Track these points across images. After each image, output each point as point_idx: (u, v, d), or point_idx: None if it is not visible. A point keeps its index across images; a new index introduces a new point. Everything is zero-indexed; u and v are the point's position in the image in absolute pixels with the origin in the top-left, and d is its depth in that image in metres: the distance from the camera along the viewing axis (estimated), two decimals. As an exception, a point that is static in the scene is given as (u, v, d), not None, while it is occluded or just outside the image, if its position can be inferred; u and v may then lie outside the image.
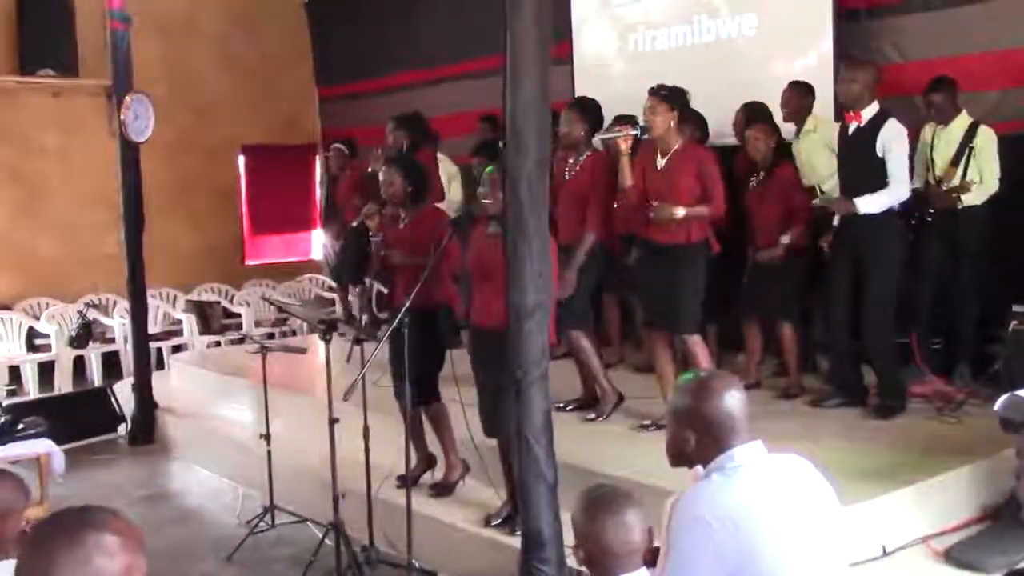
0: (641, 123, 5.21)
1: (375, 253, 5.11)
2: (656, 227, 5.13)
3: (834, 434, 5.07)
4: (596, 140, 5.48)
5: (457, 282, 5.05)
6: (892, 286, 5.24)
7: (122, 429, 7.49)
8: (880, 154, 5.17)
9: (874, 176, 5.18)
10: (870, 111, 5.22)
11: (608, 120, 5.84)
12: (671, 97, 5.10)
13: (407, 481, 4.52)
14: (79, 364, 9.27)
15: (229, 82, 10.95)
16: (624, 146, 5.19)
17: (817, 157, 6.04)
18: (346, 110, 11.10)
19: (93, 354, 9.08)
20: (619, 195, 5.46)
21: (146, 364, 7.44)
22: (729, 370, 6.31)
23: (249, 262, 11.24)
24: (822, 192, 5.91)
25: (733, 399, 2.41)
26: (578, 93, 8.18)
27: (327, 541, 4.67)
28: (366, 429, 4.59)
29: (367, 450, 4.62)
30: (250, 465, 5.98)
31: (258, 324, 10.04)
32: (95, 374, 9.04)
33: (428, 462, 5.24)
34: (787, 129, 6.26)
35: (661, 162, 5.19)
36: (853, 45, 6.66)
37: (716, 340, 6.45)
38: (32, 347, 8.99)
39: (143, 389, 7.32)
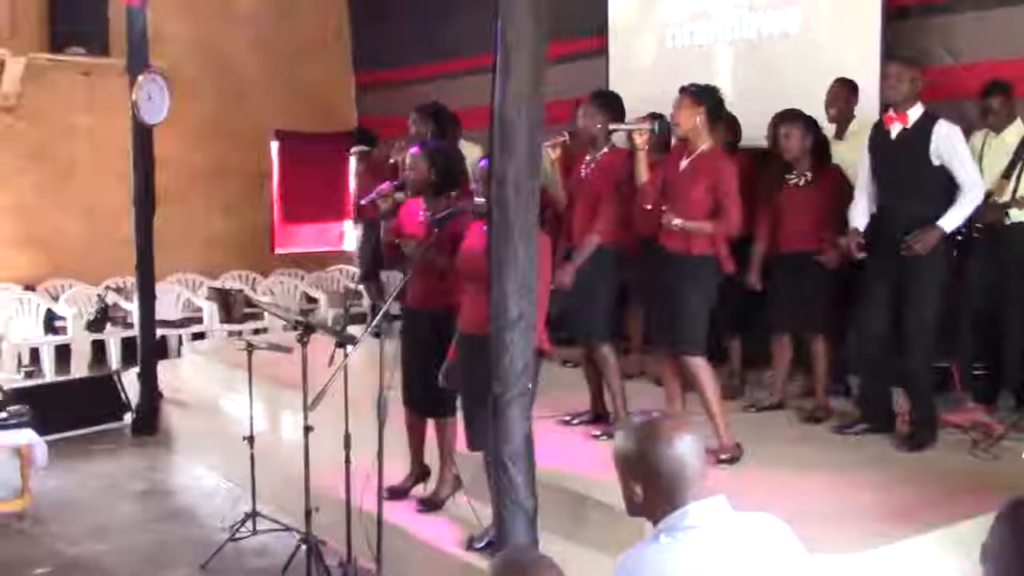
0: (662, 116, 4.85)
1: (384, 240, 4.77)
2: (664, 232, 4.75)
3: (858, 464, 4.66)
4: (610, 128, 5.11)
5: None
6: (935, 308, 4.79)
7: (128, 418, 7.30)
8: (935, 160, 4.74)
9: (928, 184, 4.76)
10: (915, 112, 4.80)
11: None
12: (700, 94, 4.72)
13: (380, 494, 4.20)
14: (99, 348, 9.15)
15: (263, 66, 10.75)
16: (639, 140, 4.80)
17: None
18: (383, 98, 10.83)
19: (111, 339, 8.93)
20: (640, 194, 5.07)
21: (152, 352, 7.23)
22: (753, 387, 6.05)
23: (279, 250, 11.04)
24: None
25: (685, 445, 2.05)
26: (612, 87, 7.86)
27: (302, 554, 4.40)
28: (347, 437, 4.31)
29: (347, 460, 4.33)
30: (246, 465, 5.74)
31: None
32: (113, 359, 8.90)
33: (421, 474, 4.94)
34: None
35: (684, 163, 4.81)
36: (901, 45, 6.22)
37: (740, 354, 6.07)
38: (51, 329, 8.87)
39: (148, 378, 7.12)
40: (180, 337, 9.29)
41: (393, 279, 6.98)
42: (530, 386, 3.77)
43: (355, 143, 8.82)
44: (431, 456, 4.91)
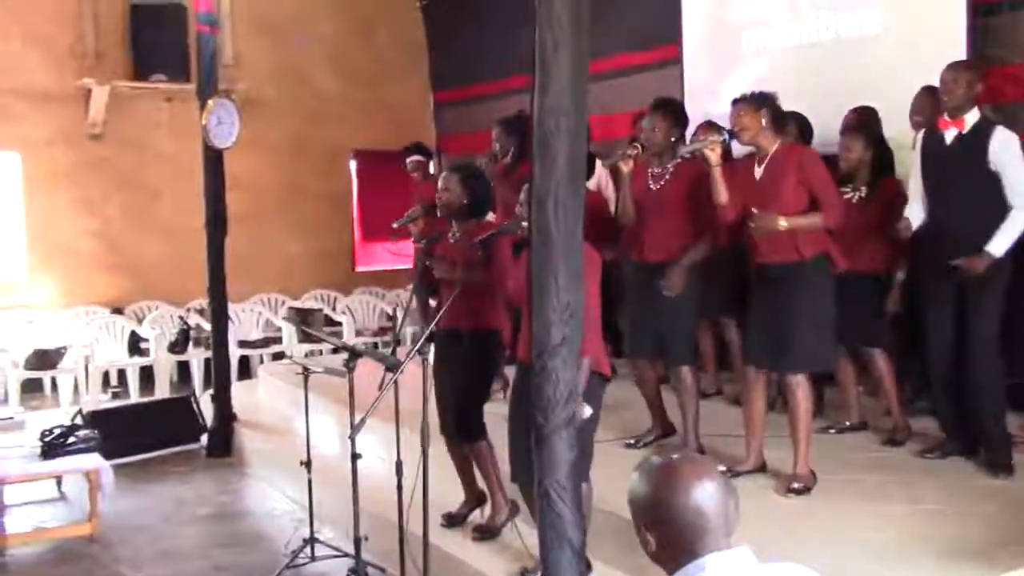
0: (729, 129, 4.60)
1: (417, 263, 4.71)
2: (763, 248, 4.47)
3: (937, 493, 4.35)
4: (681, 152, 4.86)
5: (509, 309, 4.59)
6: (997, 321, 4.47)
7: (205, 439, 7.35)
8: (993, 168, 4.43)
9: (986, 193, 4.45)
10: (972, 117, 4.50)
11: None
12: (755, 98, 4.49)
13: (425, 521, 4.06)
14: (184, 370, 9.30)
15: (342, 85, 10.85)
16: (714, 156, 4.48)
17: None
18: (462, 115, 10.78)
19: (195, 360, 9.04)
20: (720, 213, 4.77)
21: (225, 373, 7.26)
22: (834, 408, 5.74)
23: (360, 269, 11.08)
24: None
25: (706, 495, 1.86)
26: (687, 96, 7.65)
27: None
28: (398, 464, 4.20)
29: (399, 487, 4.22)
30: (317, 489, 5.69)
31: (359, 333, 9.84)
32: (196, 380, 9.02)
33: (478, 500, 4.80)
34: (898, 141, 5.52)
35: (759, 171, 4.56)
36: (990, 43, 5.87)
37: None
38: (137, 351, 9.04)
39: (221, 399, 7.15)
40: (261, 357, 9.37)
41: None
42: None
43: (411, 153, 8.70)
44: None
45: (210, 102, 6.86)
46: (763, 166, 4.50)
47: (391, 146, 11.07)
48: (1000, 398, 4.59)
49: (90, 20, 9.49)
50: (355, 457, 4.15)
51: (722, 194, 4.54)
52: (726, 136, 4.55)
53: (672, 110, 5.04)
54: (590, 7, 3.43)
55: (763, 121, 4.44)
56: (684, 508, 1.85)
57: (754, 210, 4.43)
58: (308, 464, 5.05)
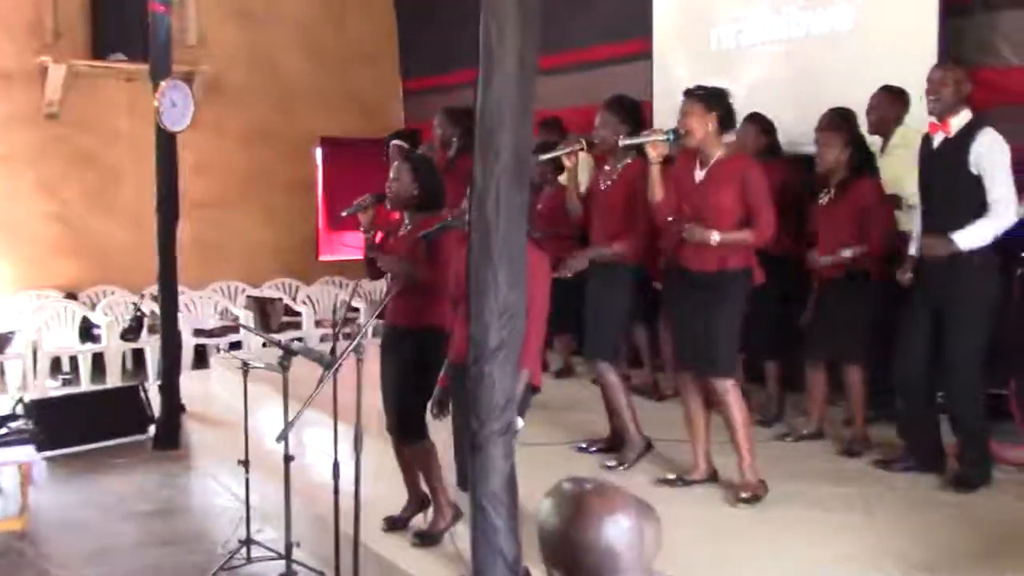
0: (675, 128, 4.45)
1: (364, 255, 4.56)
2: (689, 252, 4.38)
3: (897, 508, 4.24)
4: (621, 143, 4.72)
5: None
6: (982, 337, 4.33)
7: (152, 431, 7.14)
8: (974, 171, 4.27)
9: (966, 197, 4.29)
10: (960, 120, 4.34)
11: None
12: (709, 97, 4.34)
13: (356, 526, 3.90)
14: (140, 358, 9.07)
15: (311, 72, 10.61)
16: (654, 153, 4.40)
17: (909, 176, 5.13)
18: (430, 103, 10.54)
19: (149, 348, 8.81)
20: (654, 212, 4.66)
21: (174, 363, 7.03)
22: (792, 414, 5.61)
23: (323, 258, 10.87)
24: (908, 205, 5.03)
25: (618, 529, 1.70)
26: (656, 91, 7.53)
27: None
28: (335, 466, 4.04)
29: (336, 491, 4.06)
30: (259, 487, 5.51)
31: (319, 323, 9.64)
32: (151, 369, 8.79)
33: (421, 504, 4.64)
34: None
35: (700, 174, 4.42)
36: (962, 44, 5.74)
37: (778, 378, 5.65)
38: (90, 337, 8.80)
39: (169, 390, 6.93)
40: (218, 347, 9.16)
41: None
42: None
43: (395, 137, 8.48)
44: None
45: (163, 84, 6.65)
46: (705, 171, 4.37)
47: (359, 134, 10.92)
48: (978, 413, 4.44)
49: (50, -1, 9.24)
50: (288, 459, 4.00)
51: (657, 192, 4.45)
52: (670, 136, 4.39)
53: (623, 107, 4.88)
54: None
55: (711, 125, 4.30)
56: (594, 548, 1.69)
57: (687, 221, 4.32)
58: (246, 464, 4.86)
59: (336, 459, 4.04)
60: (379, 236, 4.67)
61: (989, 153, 4.26)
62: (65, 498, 5.85)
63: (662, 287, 4.93)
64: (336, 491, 4.05)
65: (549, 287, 3.79)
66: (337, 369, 3.76)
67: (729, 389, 4.29)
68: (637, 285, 4.96)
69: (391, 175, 4.60)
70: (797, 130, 5.86)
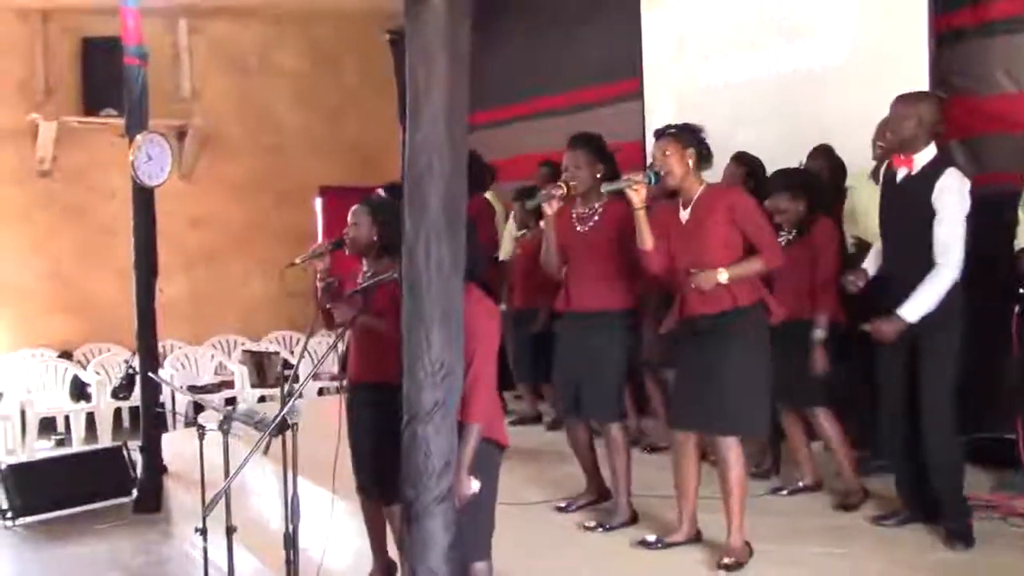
0: (656, 170, 4.19)
1: (319, 304, 4.36)
2: (691, 298, 4.05)
3: (885, 568, 3.93)
4: (603, 189, 4.46)
5: None
6: (951, 376, 4.02)
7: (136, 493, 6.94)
8: (936, 208, 4.01)
9: (925, 236, 4.01)
10: (924, 156, 4.07)
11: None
12: (683, 135, 4.10)
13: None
14: (135, 417, 8.90)
15: (306, 120, 10.54)
16: (637, 198, 4.08)
17: None
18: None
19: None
20: (645, 261, 4.36)
21: (153, 423, 6.83)
22: (790, 466, 5.29)
23: (326, 308, 10.70)
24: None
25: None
26: (649, 130, 7.32)
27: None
28: (286, 537, 3.80)
29: (288, 561, 3.81)
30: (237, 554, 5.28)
31: (317, 376, 9.43)
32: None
33: (387, 570, 4.38)
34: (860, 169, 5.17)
35: (685, 214, 4.16)
36: (955, 71, 5.51)
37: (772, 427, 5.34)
38: (83, 395, 8.65)
39: (150, 451, 6.73)
40: (214, 404, 8.97)
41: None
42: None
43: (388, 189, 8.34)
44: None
45: (139, 137, 6.52)
46: (688, 209, 4.11)
47: (358, 182, 10.76)
48: (957, 469, 4.14)
49: (41, 55, 9.22)
50: (230, 531, 3.75)
51: (647, 240, 4.14)
52: (651, 176, 4.14)
53: (593, 146, 4.63)
54: (470, 36, 3.08)
55: (689, 163, 4.07)
56: None
57: (691, 269, 4.02)
58: (204, 532, 4.59)
59: (287, 528, 3.80)
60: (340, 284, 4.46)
61: (947, 194, 3.99)
62: (35, 568, 5.66)
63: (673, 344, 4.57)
64: (288, 561, 3.81)
65: (498, 337, 3.53)
66: (272, 436, 3.53)
67: (732, 447, 3.97)
68: (632, 335, 4.67)
69: (349, 219, 4.41)
70: (786, 163, 5.63)
